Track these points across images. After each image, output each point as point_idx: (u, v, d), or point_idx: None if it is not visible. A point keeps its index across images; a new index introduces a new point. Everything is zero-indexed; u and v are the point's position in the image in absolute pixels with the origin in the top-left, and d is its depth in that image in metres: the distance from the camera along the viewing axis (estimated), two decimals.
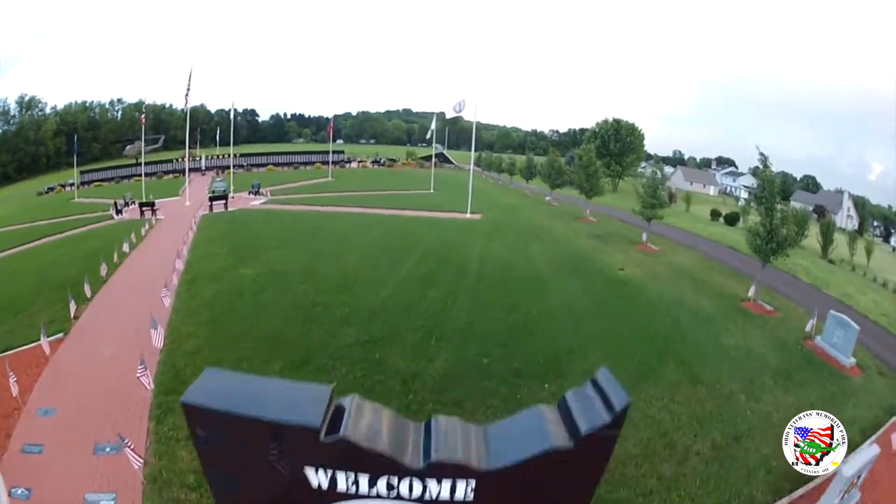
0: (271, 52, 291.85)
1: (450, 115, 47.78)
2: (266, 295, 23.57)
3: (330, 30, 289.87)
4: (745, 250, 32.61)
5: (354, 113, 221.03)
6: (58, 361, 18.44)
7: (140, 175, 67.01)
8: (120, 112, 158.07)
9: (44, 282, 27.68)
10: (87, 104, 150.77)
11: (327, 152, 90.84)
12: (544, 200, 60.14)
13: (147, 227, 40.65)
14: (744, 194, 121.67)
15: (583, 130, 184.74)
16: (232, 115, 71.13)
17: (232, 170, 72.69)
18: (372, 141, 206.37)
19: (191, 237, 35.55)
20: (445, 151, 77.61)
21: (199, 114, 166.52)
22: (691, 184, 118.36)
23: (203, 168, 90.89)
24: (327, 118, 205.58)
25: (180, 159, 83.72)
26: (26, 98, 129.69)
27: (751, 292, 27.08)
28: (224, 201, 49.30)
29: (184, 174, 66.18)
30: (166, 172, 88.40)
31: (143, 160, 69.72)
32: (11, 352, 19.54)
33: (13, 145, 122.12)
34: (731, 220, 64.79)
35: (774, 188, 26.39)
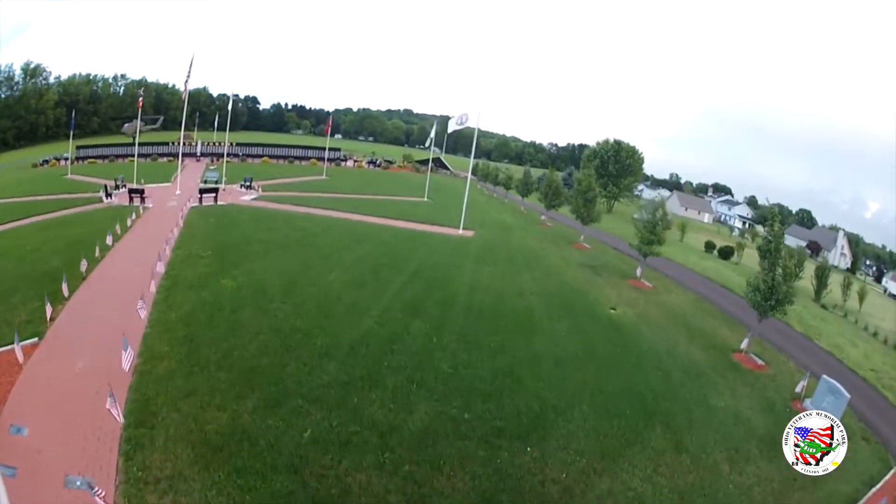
0: (278, 41, 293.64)
1: (452, 128, 46.60)
2: (245, 313, 22.85)
3: (338, 24, 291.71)
4: (739, 291, 33.82)
5: (355, 109, 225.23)
6: (31, 370, 17.82)
7: (134, 155, 66.10)
8: (122, 88, 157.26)
9: (23, 272, 27.05)
10: (91, 77, 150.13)
11: (324, 148, 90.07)
12: (539, 220, 59.69)
13: (134, 216, 39.92)
14: (738, 224, 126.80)
15: (582, 146, 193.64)
16: (230, 105, 69.62)
17: (226, 158, 71.87)
18: (370, 139, 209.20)
19: (176, 234, 34.87)
20: (442, 157, 77.53)
21: (200, 96, 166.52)
22: (686, 209, 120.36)
23: (198, 154, 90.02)
24: (328, 112, 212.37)
25: (176, 143, 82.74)
26: (31, 66, 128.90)
27: (744, 344, 26.74)
28: (214, 194, 48.60)
29: (178, 158, 65.00)
30: (161, 155, 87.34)
31: (138, 140, 68.57)
32: None
33: (14, 112, 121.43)
34: (725, 254, 65.45)
35: (781, 242, 25.80)
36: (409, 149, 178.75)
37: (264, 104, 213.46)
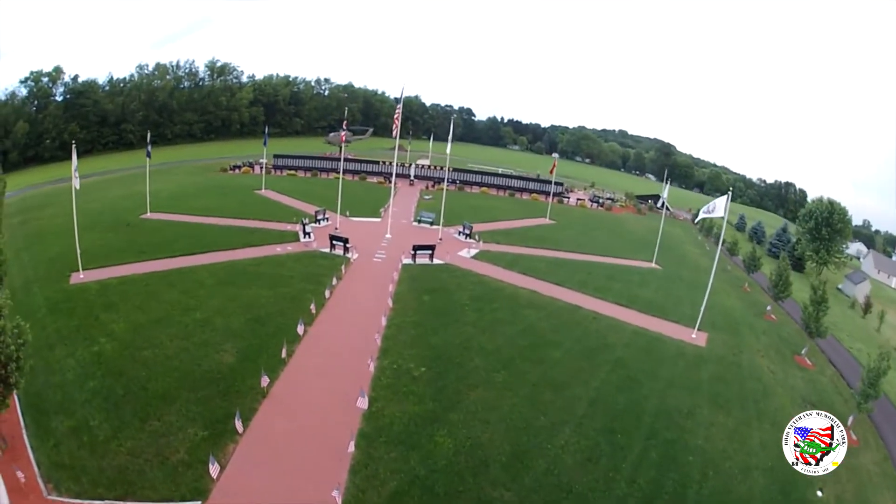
0: (493, 52, 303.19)
1: (700, 217, 46.47)
2: None
3: (555, 38, 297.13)
4: None
5: (571, 127, 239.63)
6: None
7: (339, 171, 66.92)
8: (327, 91, 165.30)
9: (187, 366, 25.49)
10: (291, 79, 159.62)
11: (547, 181, 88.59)
12: (764, 308, 55.12)
13: (334, 280, 38.15)
14: None
15: (788, 185, 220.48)
16: (451, 127, 66.15)
17: (446, 185, 69.17)
18: (587, 160, 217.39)
19: (383, 325, 32.02)
20: (665, 195, 74.47)
21: (412, 105, 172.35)
22: (878, 272, 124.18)
23: (412, 177, 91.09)
24: (544, 128, 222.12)
25: (388, 162, 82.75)
26: (218, 63, 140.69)
27: None
28: (430, 251, 46.48)
29: (389, 180, 62.86)
30: (371, 174, 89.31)
31: (343, 155, 68.13)
32: None
33: (201, 106, 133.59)
34: None
35: None
36: (626, 174, 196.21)
37: (479, 116, 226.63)
